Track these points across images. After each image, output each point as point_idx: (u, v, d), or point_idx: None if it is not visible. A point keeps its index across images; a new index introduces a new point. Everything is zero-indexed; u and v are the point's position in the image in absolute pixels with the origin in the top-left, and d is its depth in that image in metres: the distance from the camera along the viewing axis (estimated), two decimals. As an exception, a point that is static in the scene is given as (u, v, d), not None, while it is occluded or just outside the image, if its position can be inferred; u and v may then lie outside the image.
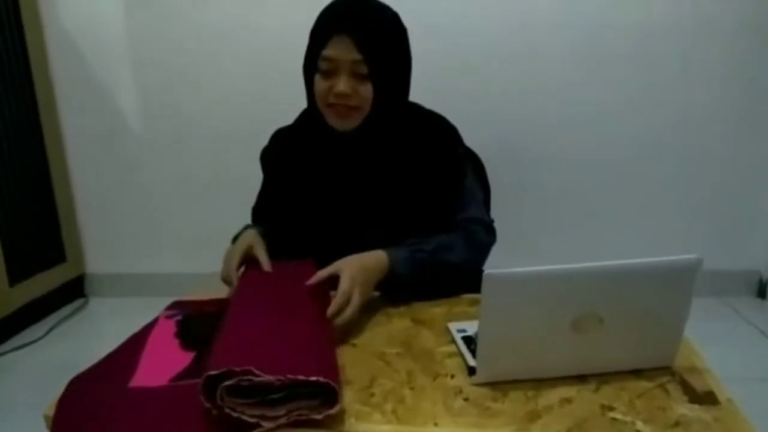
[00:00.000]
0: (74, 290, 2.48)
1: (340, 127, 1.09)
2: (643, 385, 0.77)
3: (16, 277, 2.12)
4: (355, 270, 0.96)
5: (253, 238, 1.10)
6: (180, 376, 0.84)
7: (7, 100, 2.11)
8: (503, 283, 0.73)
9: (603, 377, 0.79)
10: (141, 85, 2.33)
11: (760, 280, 2.33)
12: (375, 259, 1.02)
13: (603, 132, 2.24)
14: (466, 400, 0.75)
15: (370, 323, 0.98)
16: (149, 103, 2.35)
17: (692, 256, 0.74)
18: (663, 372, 0.80)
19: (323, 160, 1.16)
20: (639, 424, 0.69)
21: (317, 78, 1.07)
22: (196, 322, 1.02)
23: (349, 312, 0.92)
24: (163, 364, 0.87)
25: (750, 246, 2.32)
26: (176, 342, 0.94)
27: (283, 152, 1.22)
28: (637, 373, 0.80)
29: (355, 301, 0.93)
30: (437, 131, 1.18)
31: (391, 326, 0.97)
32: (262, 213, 1.27)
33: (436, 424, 0.70)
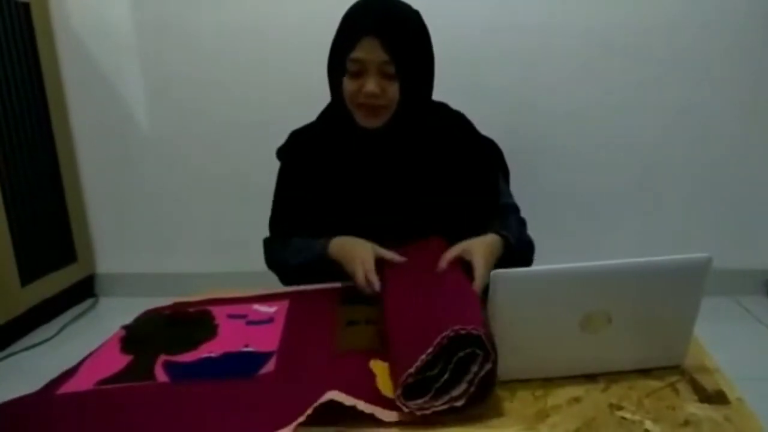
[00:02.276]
0: (84, 290, 2.50)
1: (369, 125, 1.13)
2: (653, 384, 0.77)
3: (27, 277, 2.13)
4: (486, 253, 0.98)
5: (365, 242, 1.08)
6: (108, 380, 0.84)
7: (18, 100, 2.13)
8: (511, 282, 0.73)
9: (612, 376, 0.79)
10: (151, 84, 2.34)
11: (771, 279, 2.31)
12: (494, 240, 1.04)
13: (609, 129, 2.22)
14: (474, 399, 0.75)
15: (378, 322, 0.98)
16: (159, 104, 2.36)
17: (702, 254, 0.74)
18: (672, 371, 0.79)
19: (353, 157, 1.18)
20: (648, 424, 0.69)
21: (346, 79, 1.10)
22: (142, 327, 1.02)
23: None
24: (98, 368, 0.87)
25: (761, 245, 2.30)
26: (118, 346, 0.95)
27: (309, 151, 1.23)
28: (646, 372, 0.79)
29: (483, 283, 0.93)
30: (460, 123, 1.23)
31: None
32: (290, 212, 1.24)
33: (443, 424, 0.70)
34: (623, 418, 0.70)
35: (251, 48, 2.25)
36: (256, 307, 1.08)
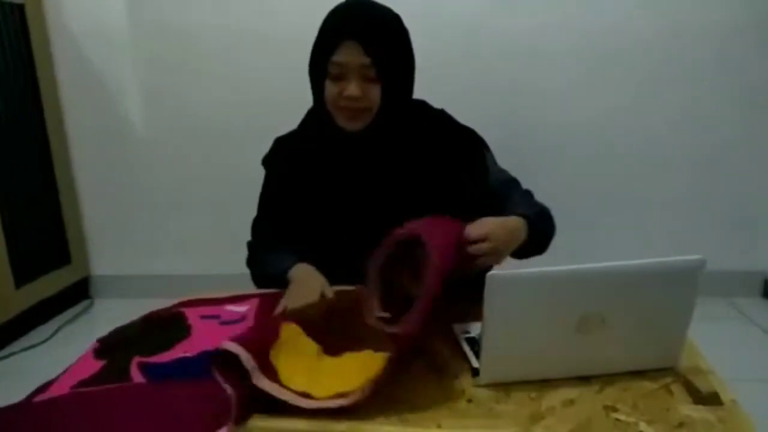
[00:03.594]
0: (79, 292, 2.49)
1: (350, 127, 1.12)
2: (647, 385, 0.77)
3: (21, 279, 2.13)
4: (495, 226, 0.98)
5: (316, 280, 1.07)
6: (84, 382, 0.84)
7: (12, 101, 2.12)
8: (506, 284, 0.73)
9: (606, 378, 0.79)
10: (146, 86, 2.34)
11: (765, 281, 2.32)
12: (514, 220, 1.04)
13: (606, 131, 2.23)
14: (469, 401, 0.75)
15: (373, 324, 0.98)
16: (154, 105, 2.36)
17: (696, 256, 0.74)
18: (667, 373, 0.80)
19: (335, 159, 1.18)
20: (642, 425, 0.69)
21: (327, 82, 1.10)
22: (116, 336, 1.02)
23: (485, 247, 0.94)
24: (74, 374, 0.87)
25: (755, 246, 2.31)
26: (92, 355, 0.95)
27: (294, 157, 1.23)
28: (640, 374, 0.80)
29: (489, 245, 0.94)
30: (441, 121, 1.22)
31: (395, 327, 0.97)
32: (273, 221, 1.25)
33: (439, 426, 0.70)
34: (618, 419, 0.70)
35: (247, 50, 2.25)
36: (229, 307, 1.09)
